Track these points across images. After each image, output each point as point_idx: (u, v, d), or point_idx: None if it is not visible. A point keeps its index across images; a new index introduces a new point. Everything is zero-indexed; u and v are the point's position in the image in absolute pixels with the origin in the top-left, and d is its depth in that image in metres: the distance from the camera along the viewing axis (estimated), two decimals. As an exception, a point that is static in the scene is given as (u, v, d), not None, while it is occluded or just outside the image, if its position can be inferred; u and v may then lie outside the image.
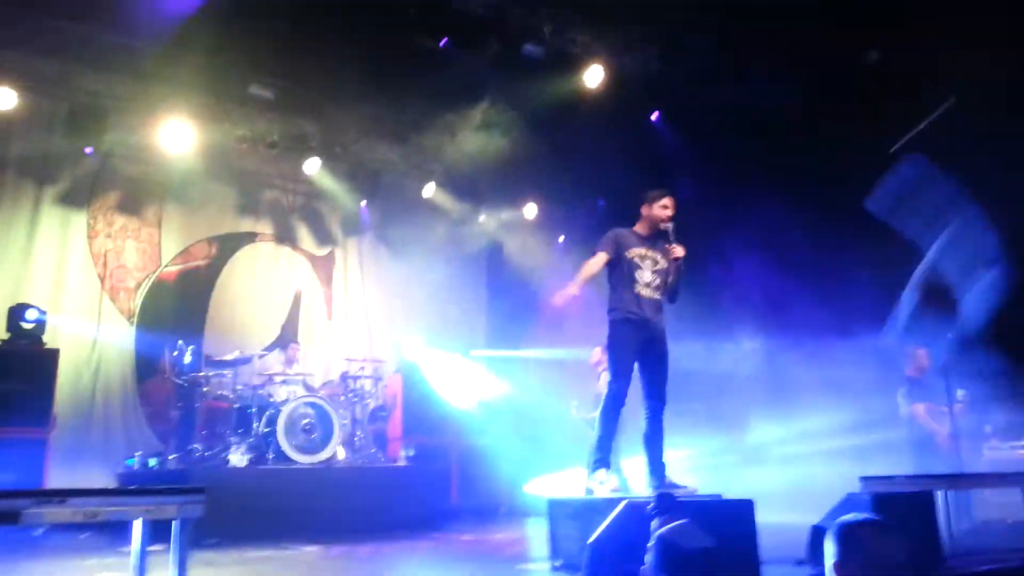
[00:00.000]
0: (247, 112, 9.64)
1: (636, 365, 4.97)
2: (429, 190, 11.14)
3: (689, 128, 9.79)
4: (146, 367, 9.25)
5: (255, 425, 7.80)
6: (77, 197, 9.26)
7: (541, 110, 9.79)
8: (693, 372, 8.31)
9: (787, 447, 8.85)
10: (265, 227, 10.67)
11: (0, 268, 8.51)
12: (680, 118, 9.93)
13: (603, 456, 4.88)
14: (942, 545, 4.20)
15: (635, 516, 3.86)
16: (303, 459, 7.68)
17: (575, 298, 4.80)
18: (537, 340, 11.14)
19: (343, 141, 10.42)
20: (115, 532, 5.91)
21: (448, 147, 10.77)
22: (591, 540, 4.00)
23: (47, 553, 5.95)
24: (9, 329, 7.68)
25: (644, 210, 5.07)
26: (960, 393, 6.49)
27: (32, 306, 7.86)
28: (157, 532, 3.28)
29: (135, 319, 9.42)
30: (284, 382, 8.46)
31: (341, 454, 8.18)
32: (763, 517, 4.16)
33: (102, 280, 9.30)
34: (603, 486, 4.75)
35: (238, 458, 7.39)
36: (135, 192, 9.65)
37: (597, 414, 7.43)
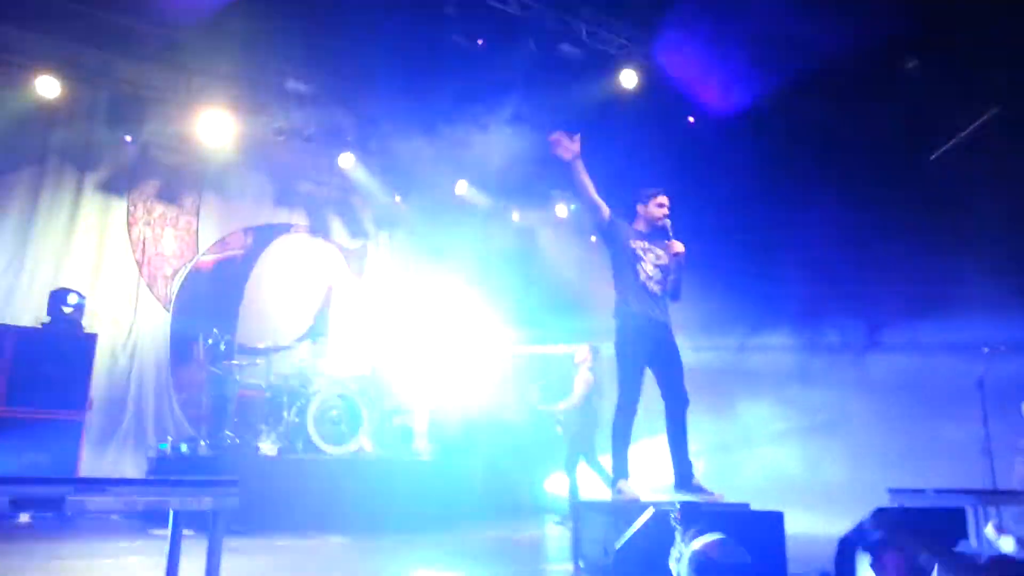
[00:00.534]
0: (284, 105, 9.74)
1: (649, 368, 4.92)
2: (462, 187, 11.19)
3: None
4: (180, 354, 9.41)
5: (285, 414, 7.91)
6: (117, 185, 9.43)
7: (575, 109, 9.80)
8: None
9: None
10: (300, 219, 10.81)
11: (42, 253, 8.69)
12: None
13: (622, 465, 4.86)
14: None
15: (662, 523, 3.87)
16: (331, 449, 7.78)
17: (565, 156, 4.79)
18: (566, 336, 11.19)
19: (377, 136, 10.50)
20: (145, 515, 6.04)
21: (480, 144, 10.81)
22: (618, 545, 4.03)
23: (78, 534, 6.09)
24: (49, 312, 7.85)
25: (640, 209, 5.06)
26: None
27: (72, 291, 8.03)
28: (188, 517, 3.37)
29: (171, 306, 9.58)
30: (316, 372, 8.57)
31: (368, 446, 8.27)
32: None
33: (140, 267, 9.47)
34: (624, 495, 4.75)
35: (268, 446, 7.51)
36: (174, 181, 9.80)
37: (564, 407, 7.47)
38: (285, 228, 10.67)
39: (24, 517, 6.31)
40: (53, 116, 8.81)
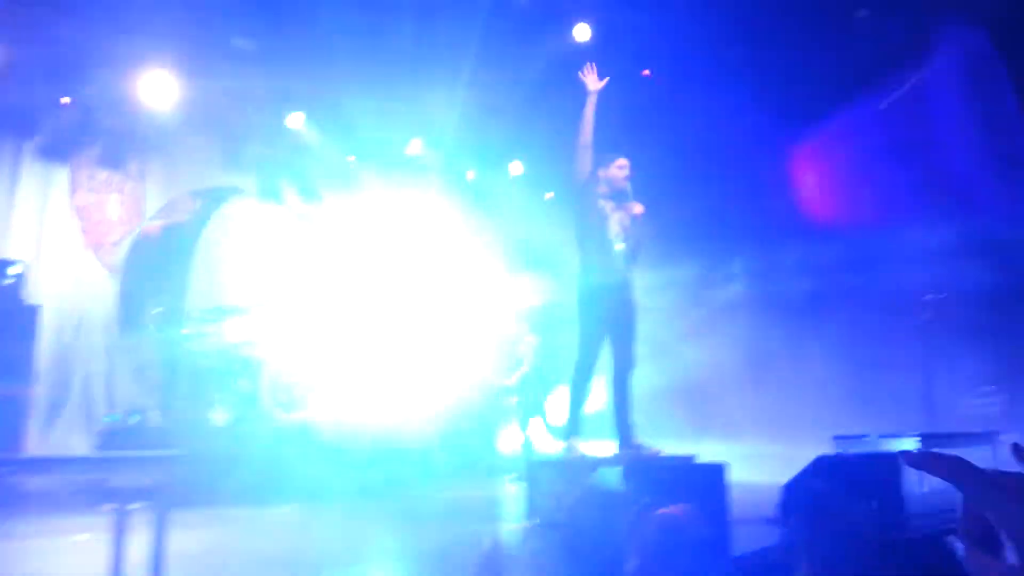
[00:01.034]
0: (230, 65, 9.47)
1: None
2: (415, 146, 11.03)
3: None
4: (129, 322, 9.21)
5: (237, 382, 7.81)
6: (59, 151, 9.14)
7: (528, 64, 9.69)
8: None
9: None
10: (249, 182, 10.57)
11: (-19, 223, 8.43)
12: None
13: (575, 424, 4.90)
14: (905, 506, 4.26)
15: (613, 481, 3.91)
16: (285, 416, 7.72)
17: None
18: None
19: (328, 95, 10.27)
20: (98, 489, 5.95)
21: (434, 102, 10.64)
22: (570, 502, 4.07)
23: (27, 510, 5.98)
24: (-11, 284, 7.62)
25: (601, 172, 5.06)
26: None
27: (13, 261, 7.78)
28: (140, 492, 3.31)
29: (118, 274, 9.36)
30: (267, 339, 8.45)
31: (322, 412, 8.22)
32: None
33: (85, 234, 9.22)
34: (575, 451, 4.79)
35: (220, 415, 7.42)
36: (118, 146, 9.52)
37: (517, 377, 7.55)
38: (234, 191, 10.44)
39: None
40: (-16, 79, 8.46)
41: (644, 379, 5.25)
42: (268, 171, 10.68)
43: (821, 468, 4.16)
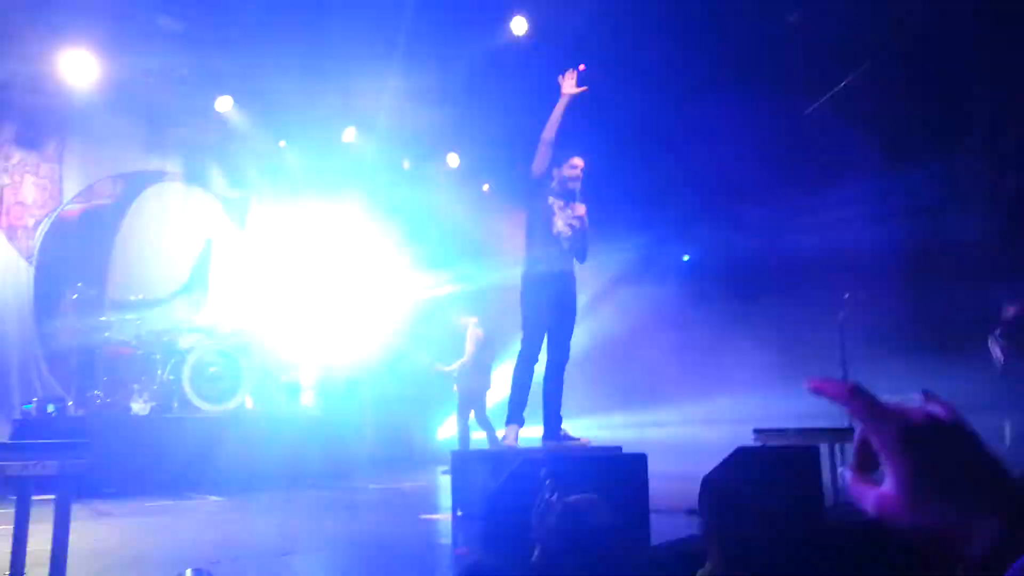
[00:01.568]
0: (155, 44, 9.15)
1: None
2: (350, 134, 10.86)
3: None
4: (45, 309, 8.84)
5: (159, 372, 7.59)
6: (-31, 130, 8.70)
7: (464, 55, 9.63)
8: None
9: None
10: (175, 166, 10.23)
11: None
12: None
13: (518, 412, 4.93)
14: (824, 499, 4.40)
15: (531, 472, 3.92)
16: (209, 407, 7.53)
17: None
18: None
19: (257, 78, 10.02)
20: (7, 481, 5.71)
21: (369, 91, 10.49)
22: (489, 493, 4.06)
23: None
24: None
25: (554, 171, 5.12)
26: None
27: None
28: (47, 483, 3.19)
29: (34, 259, 8.96)
30: (192, 329, 8.23)
31: (250, 403, 8.05)
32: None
33: (-2, 217, 8.81)
34: (509, 440, 4.80)
35: (140, 406, 7.19)
36: (33, 125, 9.10)
37: (458, 365, 7.66)
38: (158, 176, 10.08)
39: None
40: None
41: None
42: (194, 155, 10.36)
43: (740, 460, 4.27)
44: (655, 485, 4.29)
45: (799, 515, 4.11)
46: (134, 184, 9.84)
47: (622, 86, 9.39)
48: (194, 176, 10.36)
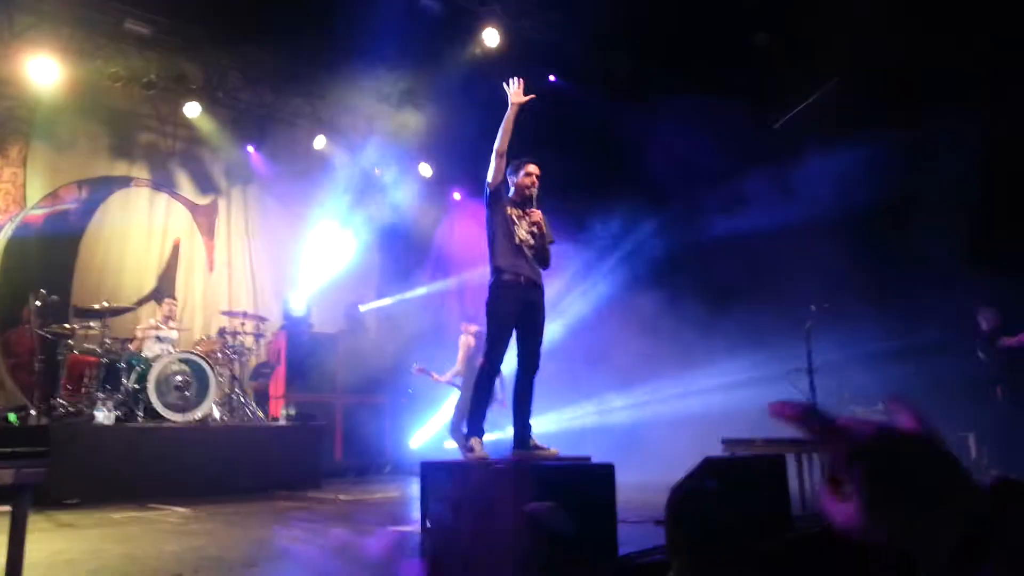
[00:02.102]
0: (121, 48, 9.06)
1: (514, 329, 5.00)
2: (320, 142, 10.80)
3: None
4: (7, 316, 8.69)
5: (124, 381, 7.46)
6: (-70, 132, 8.53)
7: (437, 65, 9.65)
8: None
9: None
10: (141, 171, 10.09)
11: None
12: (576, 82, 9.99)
13: (478, 423, 4.91)
14: (791, 508, 4.44)
15: (497, 479, 3.92)
16: (176, 417, 7.41)
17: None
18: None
19: (226, 85, 9.94)
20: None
21: (341, 99, 10.46)
22: (451, 502, 4.06)
23: None
24: None
25: (510, 179, 5.13)
26: None
27: None
28: (2, 492, 3.11)
29: (-4, 265, 8.80)
30: (158, 337, 8.10)
31: (217, 413, 7.93)
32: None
33: (-43, 223, 8.63)
34: (475, 453, 4.78)
35: (105, 415, 7.05)
36: (-4, 129, 8.95)
37: (451, 375, 7.61)
38: (125, 182, 9.94)
39: None
40: None
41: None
42: (162, 161, 10.23)
43: (708, 469, 4.30)
44: (623, 496, 4.31)
45: (766, 525, 4.15)
46: (100, 189, 9.70)
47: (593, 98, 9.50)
48: (162, 182, 10.23)
